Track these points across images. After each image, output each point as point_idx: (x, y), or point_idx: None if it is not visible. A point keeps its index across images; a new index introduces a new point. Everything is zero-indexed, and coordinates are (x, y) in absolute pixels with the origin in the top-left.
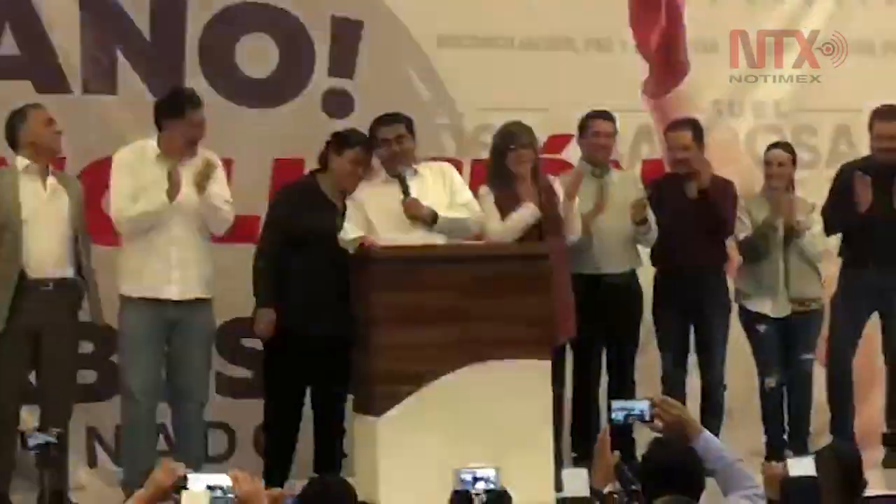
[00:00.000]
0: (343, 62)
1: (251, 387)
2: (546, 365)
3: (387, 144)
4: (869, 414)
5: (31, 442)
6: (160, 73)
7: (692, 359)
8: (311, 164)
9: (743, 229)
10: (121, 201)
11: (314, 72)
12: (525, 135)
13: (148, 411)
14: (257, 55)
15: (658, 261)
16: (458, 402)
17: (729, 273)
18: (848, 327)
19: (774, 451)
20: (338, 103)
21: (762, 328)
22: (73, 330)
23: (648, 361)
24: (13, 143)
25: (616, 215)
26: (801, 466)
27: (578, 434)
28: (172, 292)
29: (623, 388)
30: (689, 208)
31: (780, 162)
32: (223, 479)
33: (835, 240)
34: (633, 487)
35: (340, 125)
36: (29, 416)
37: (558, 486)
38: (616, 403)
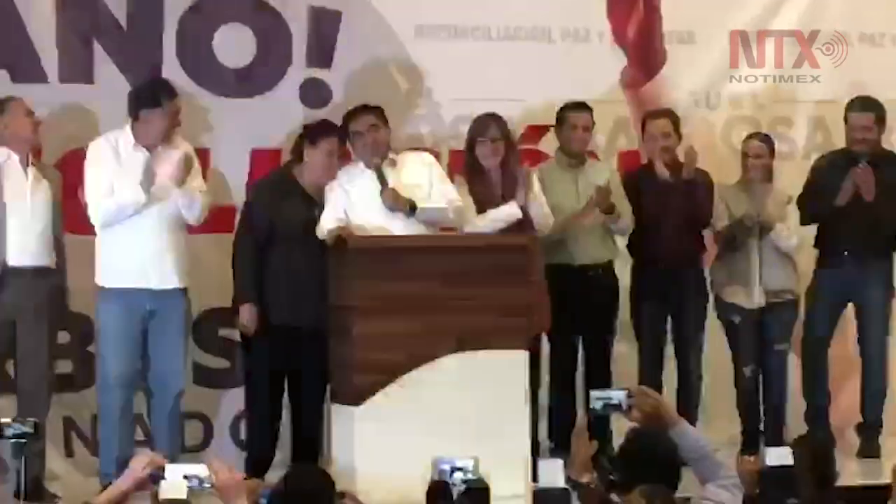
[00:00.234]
0: (321, 52)
1: (228, 377)
2: (523, 355)
3: (360, 137)
4: (844, 404)
5: (7, 432)
6: (137, 63)
7: (669, 349)
8: (289, 155)
9: (719, 220)
10: (97, 193)
11: (292, 62)
12: (494, 127)
13: (124, 401)
14: (235, 45)
15: (635, 252)
16: (435, 391)
17: (706, 264)
18: (823, 318)
19: (750, 441)
20: (316, 94)
21: (737, 319)
22: (52, 319)
23: (626, 352)
24: None
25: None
26: (778, 456)
27: (555, 424)
28: (149, 282)
29: (600, 378)
30: (665, 199)
31: (757, 153)
32: (200, 470)
33: (811, 230)
34: (611, 477)
35: (318, 115)
36: (6, 406)
37: (535, 477)
38: (594, 393)
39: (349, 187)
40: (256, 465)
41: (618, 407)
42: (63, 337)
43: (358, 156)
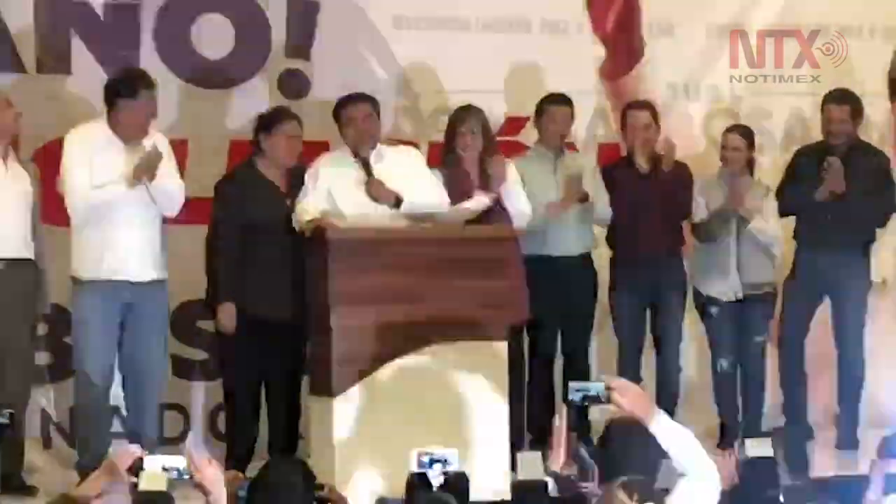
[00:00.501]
0: (300, 43)
1: (206, 368)
2: (502, 346)
3: (353, 123)
4: (822, 396)
5: None
6: (115, 53)
7: (648, 340)
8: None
9: (698, 212)
10: (76, 186)
11: (271, 53)
12: (472, 119)
13: (102, 393)
14: (213, 36)
15: (614, 244)
16: (414, 383)
17: (685, 256)
18: (800, 309)
19: (728, 434)
20: (294, 84)
21: (715, 311)
22: (31, 311)
23: (604, 343)
24: None
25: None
26: (758, 448)
27: (534, 416)
28: (126, 274)
29: (579, 370)
30: (644, 191)
31: (736, 146)
32: (179, 461)
33: (790, 223)
34: (590, 469)
35: (297, 106)
36: None
37: (514, 468)
38: (573, 385)
39: (333, 174)
40: (238, 460)
41: (596, 399)
42: (41, 328)
43: (347, 142)
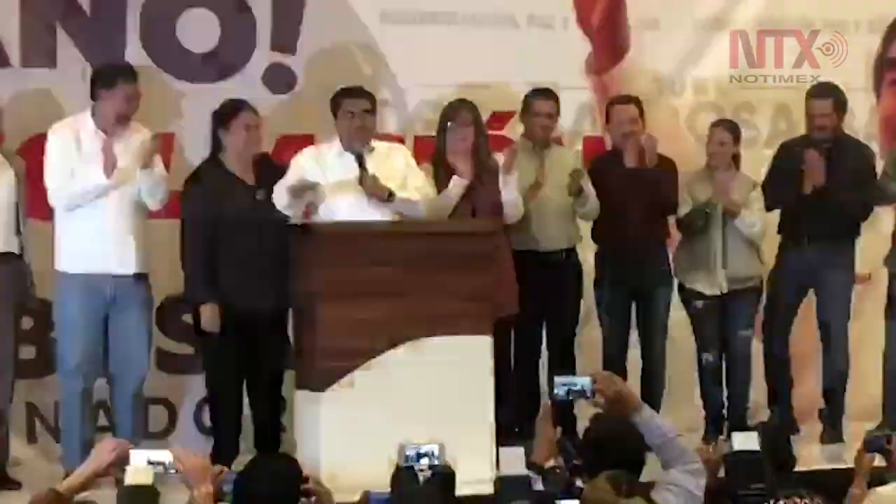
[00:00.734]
0: (285, 37)
1: (191, 363)
2: (487, 340)
3: (350, 117)
4: (807, 390)
5: None
6: (101, 47)
7: (633, 335)
8: None
9: (683, 207)
10: (57, 179)
11: (256, 46)
12: (465, 112)
13: (86, 388)
14: (199, 30)
15: (599, 238)
16: (400, 377)
17: (670, 250)
18: (786, 303)
19: (713, 427)
20: (280, 78)
21: (699, 304)
22: (16, 305)
23: (589, 337)
24: None
25: (556, 191)
26: (745, 441)
27: (520, 410)
28: (110, 267)
29: (564, 364)
30: (629, 185)
31: (721, 141)
32: (165, 455)
33: (776, 217)
34: (575, 462)
35: (283, 100)
36: None
37: (498, 463)
38: (558, 379)
39: (323, 167)
40: (223, 454)
41: (582, 393)
42: (26, 323)
43: (341, 133)
